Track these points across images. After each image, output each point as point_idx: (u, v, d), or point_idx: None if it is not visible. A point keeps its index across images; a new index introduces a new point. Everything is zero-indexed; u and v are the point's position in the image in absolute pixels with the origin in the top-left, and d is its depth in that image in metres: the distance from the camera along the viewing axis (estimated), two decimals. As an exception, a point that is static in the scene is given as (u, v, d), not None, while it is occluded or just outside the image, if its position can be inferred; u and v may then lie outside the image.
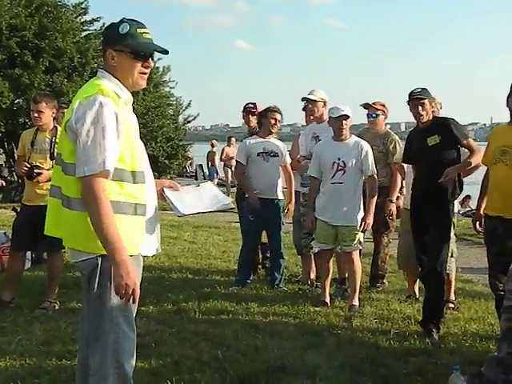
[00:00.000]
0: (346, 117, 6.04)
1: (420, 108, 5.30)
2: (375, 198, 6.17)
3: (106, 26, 3.18)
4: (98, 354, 2.97)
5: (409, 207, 6.14)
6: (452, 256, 6.04)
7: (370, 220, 6.13)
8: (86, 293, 3.05)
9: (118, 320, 2.94)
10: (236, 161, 7.30)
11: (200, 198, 3.58)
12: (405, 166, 6.28)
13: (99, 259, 2.89)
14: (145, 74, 3.08)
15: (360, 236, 6.18)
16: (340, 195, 6.10)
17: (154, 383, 4.04)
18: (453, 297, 6.29)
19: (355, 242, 6.14)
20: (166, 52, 3.14)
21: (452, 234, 5.69)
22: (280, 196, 7.02)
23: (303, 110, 7.39)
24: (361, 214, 6.13)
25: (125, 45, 3.00)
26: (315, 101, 6.85)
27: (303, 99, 7.00)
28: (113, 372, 2.94)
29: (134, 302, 2.89)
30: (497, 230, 4.77)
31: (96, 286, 2.93)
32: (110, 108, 2.86)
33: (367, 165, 6.12)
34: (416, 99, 5.30)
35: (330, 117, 6.20)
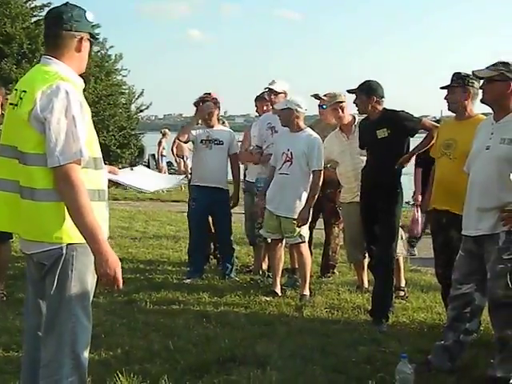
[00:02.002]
0: (289, 109, 6.10)
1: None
2: (316, 193, 6.13)
3: (69, 8, 2.97)
4: (52, 344, 2.92)
5: (347, 201, 6.21)
6: (401, 238, 6.15)
7: (306, 215, 6.07)
8: (35, 284, 3.02)
9: (76, 310, 2.92)
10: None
11: (151, 176, 3.59)
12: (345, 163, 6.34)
13: (64, 249, 2.85)
14: None
15: (301, 229, 6.14)
16: (285, 186, 6.12)
17: (104, 374, 3.99)
18: (403, 283, 6.37)
19: (295, 235, 6.14)
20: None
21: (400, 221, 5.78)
22: (226, 185, 6.97)
23: (256, 100, 7.35)
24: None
25: (90, 32, 3.07)
26: (278, 92, 6.84)
27: (269, 90, 6.89)
28: (68, 362, 2.90)
29: (117, 288, 2.87)
30: (441, 220, 4.84)
31: (57, 275, 2.88)
32: (75, 95, 2.84)
33: (313, 159, 6.10)
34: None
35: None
